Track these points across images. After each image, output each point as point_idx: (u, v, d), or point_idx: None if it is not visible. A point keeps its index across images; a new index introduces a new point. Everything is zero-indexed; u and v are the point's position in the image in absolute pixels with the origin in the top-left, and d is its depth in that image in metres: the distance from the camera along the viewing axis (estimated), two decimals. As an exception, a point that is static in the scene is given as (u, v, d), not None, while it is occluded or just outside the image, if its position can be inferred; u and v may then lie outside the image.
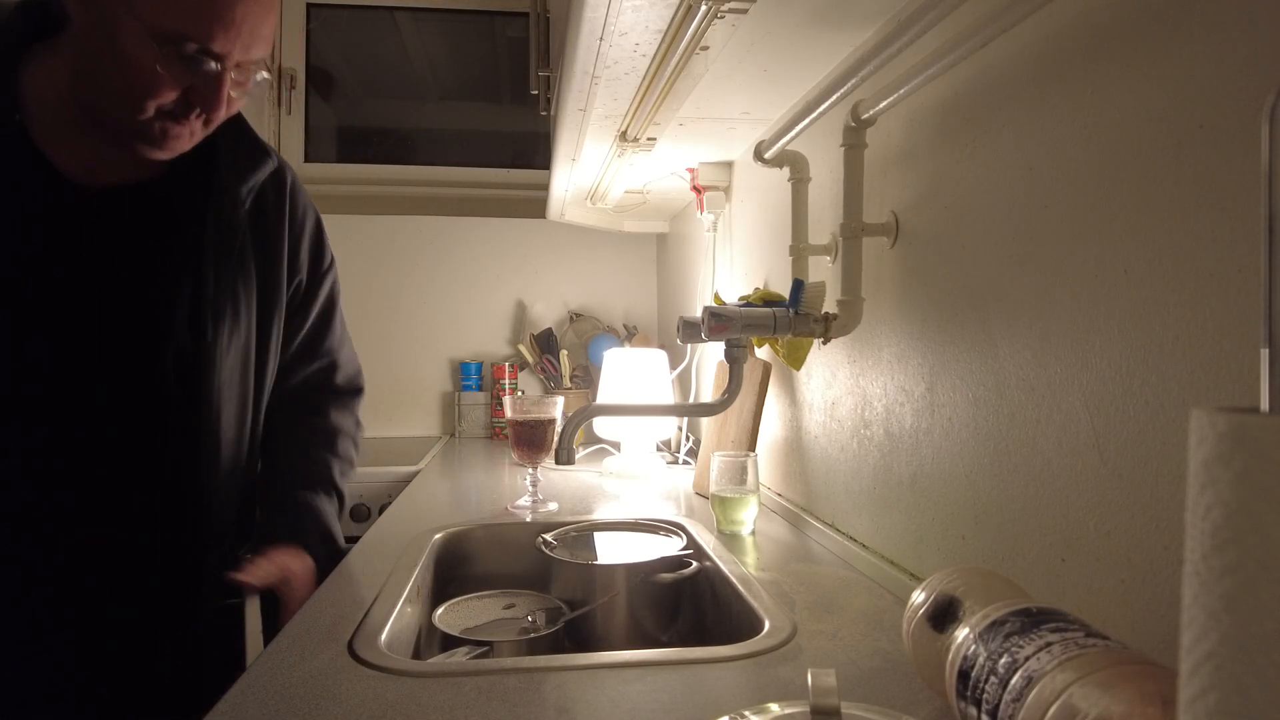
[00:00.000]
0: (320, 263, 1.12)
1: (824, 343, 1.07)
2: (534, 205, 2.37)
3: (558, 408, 1.46)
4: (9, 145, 0.85)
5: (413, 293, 2.45)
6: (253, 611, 0.96)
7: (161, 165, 0.92)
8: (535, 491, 1.40)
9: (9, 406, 0.87)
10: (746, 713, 0.54)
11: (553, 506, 1.39)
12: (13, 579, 0.88)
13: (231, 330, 0.97)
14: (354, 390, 1.23)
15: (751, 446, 1.32)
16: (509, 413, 1.45)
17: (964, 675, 0.53)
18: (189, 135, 0.87)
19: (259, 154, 1.00)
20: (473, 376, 2.42)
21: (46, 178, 0.87)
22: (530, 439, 1.42)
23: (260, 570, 0.97)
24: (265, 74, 0.88)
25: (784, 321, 1.04)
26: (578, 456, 1.92)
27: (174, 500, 0.96)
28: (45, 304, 0.88)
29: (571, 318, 2.51)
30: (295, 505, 1.08)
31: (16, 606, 0.88)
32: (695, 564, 1.04)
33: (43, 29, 0.86)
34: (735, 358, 1.14)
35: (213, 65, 0.82)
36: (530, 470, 1.43)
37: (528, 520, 1.30)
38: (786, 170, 1.14)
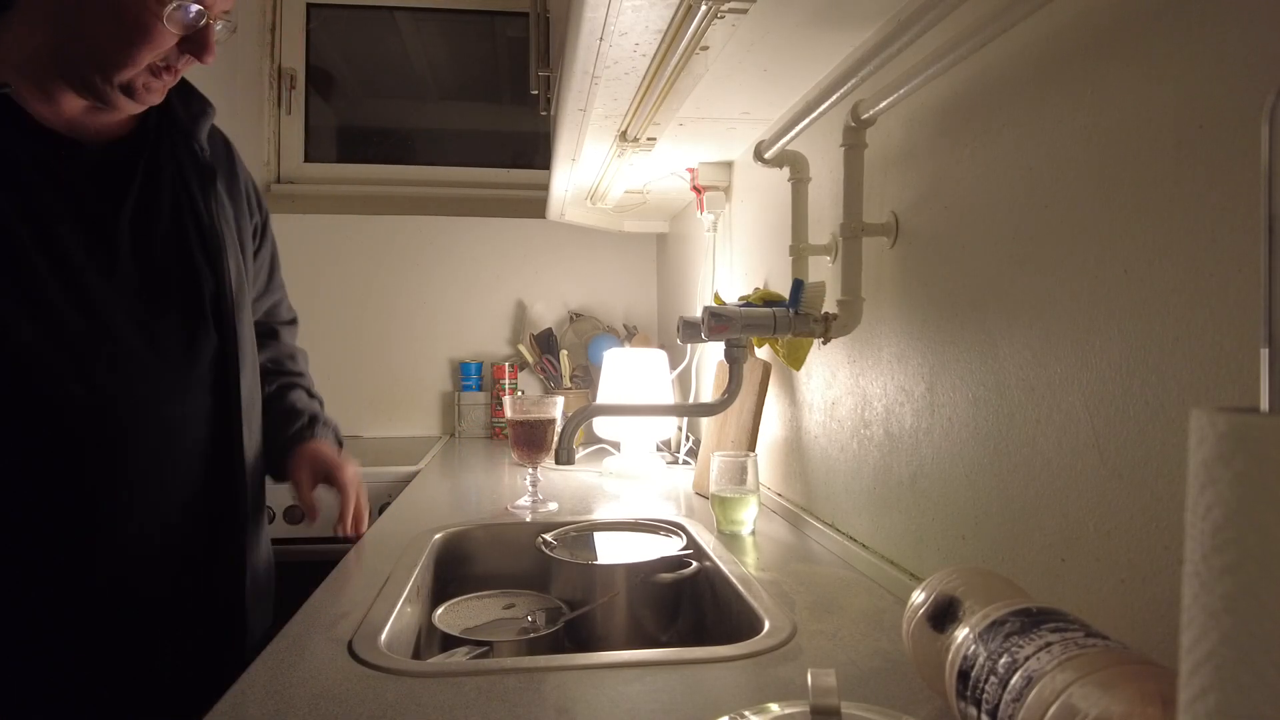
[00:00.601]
0: (263, 203, 1.20)
1: (824, 343, 1.07)
2: (534, 205, 2.37)
3: (558, 408, 1.46)
4: (11, 111, 0.89)
5: (413, 293, 2.45)
6: None
7: (128, 123, 0.98)
8: (535, 491, 1.41)
9: (33, 366, 0.88)
10: (746, 713, 0.53)
11: (552, 506, 1.39)
12: (13, 579, 0.88)
13: (233, 266, 1.03)
14: (294, 320, 1.34)
15: (751, 446, 1.32)
16: (509, 413, 1.45)
17: (964, 675, 0.53)
18: (162, 89, 0.94)
19: (204, 102, 1.06)
20: (473, 376, 2.42)
21: (47, 138, 0.92)
22: (530, 439, 1.42)
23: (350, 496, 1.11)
24: (229, 24, 0.95)
25: (784, 321, 1.04)
26: (578, 456, 1.92)
27: (213, 462, 1.00)
28: (72, 255, 0.91)
29: (571, 318, 2.51)
30: (301, 412, 1.19)
31: (16, 606, 0.88)
32: (695, 564, 1.04)
33: None
34: (735, 358, 1.14)
35: (202, 15, 0.89)
36: (530, 470, 1.43)
37: (527, 520, 1.30)
38: (786, 170, 1.14)
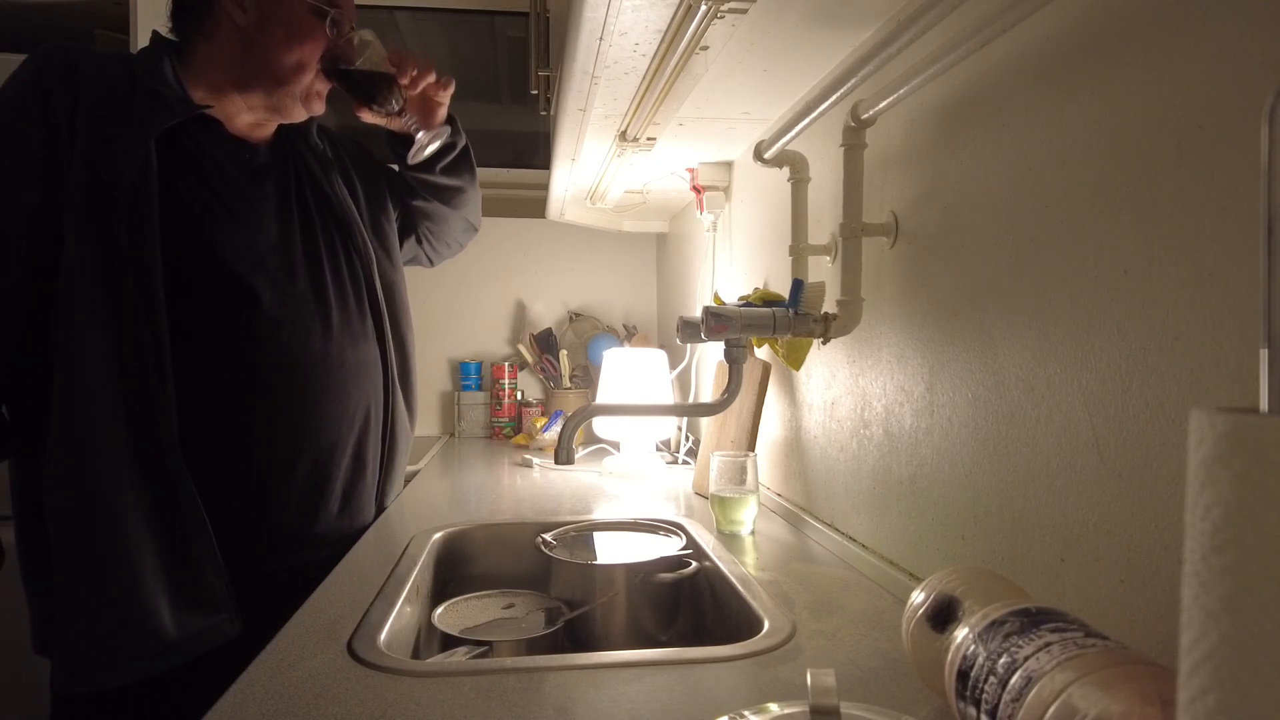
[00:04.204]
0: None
1: (824, 343, 1.07)
2: (534, 205, 2.37)
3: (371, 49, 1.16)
4: (214, 124, 1.10)
5: (412, 293, 2.41)
6: None
7: (269, 134, 1.19)
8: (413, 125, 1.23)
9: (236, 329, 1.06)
10: (746, 713, 0.53)
11: (430, 145, 1.27)
12: (248, 475, 1.07)
13: (363, 238, 1.25)
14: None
15: (751, 446, 1.32)
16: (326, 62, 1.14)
17: (963, 675, 0.53)
18: (322, 98, 1.16)
19: None
20: (472, 376, 2.42)
21: (236, 143, 1.13)
22: (367, 89, 1.16)
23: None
24: (364, 40, 1.15)
25: (784, 321, 1.04)
26: (578, 456, 1.92)
27: (386, 402, 1.25)
28: (274, 234, 1.11)
29: (571, 318, 2.51)
30: None
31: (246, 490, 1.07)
32: (695, 564, 1.04)
33: (177, 49, 1.11)
34: (735, 358, 1.14)
35: (347, 27, 1.11)
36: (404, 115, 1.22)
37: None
38: (786, 170, 1.14)
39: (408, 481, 1.69)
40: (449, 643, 0.89)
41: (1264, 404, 0.27)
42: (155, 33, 1.12)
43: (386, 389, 1.25)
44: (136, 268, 0.96)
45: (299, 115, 1.15)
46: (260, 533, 1.08)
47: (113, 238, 0.95)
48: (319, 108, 1.16)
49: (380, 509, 1.26)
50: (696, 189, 1.68)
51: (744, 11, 0.88)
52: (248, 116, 1.13)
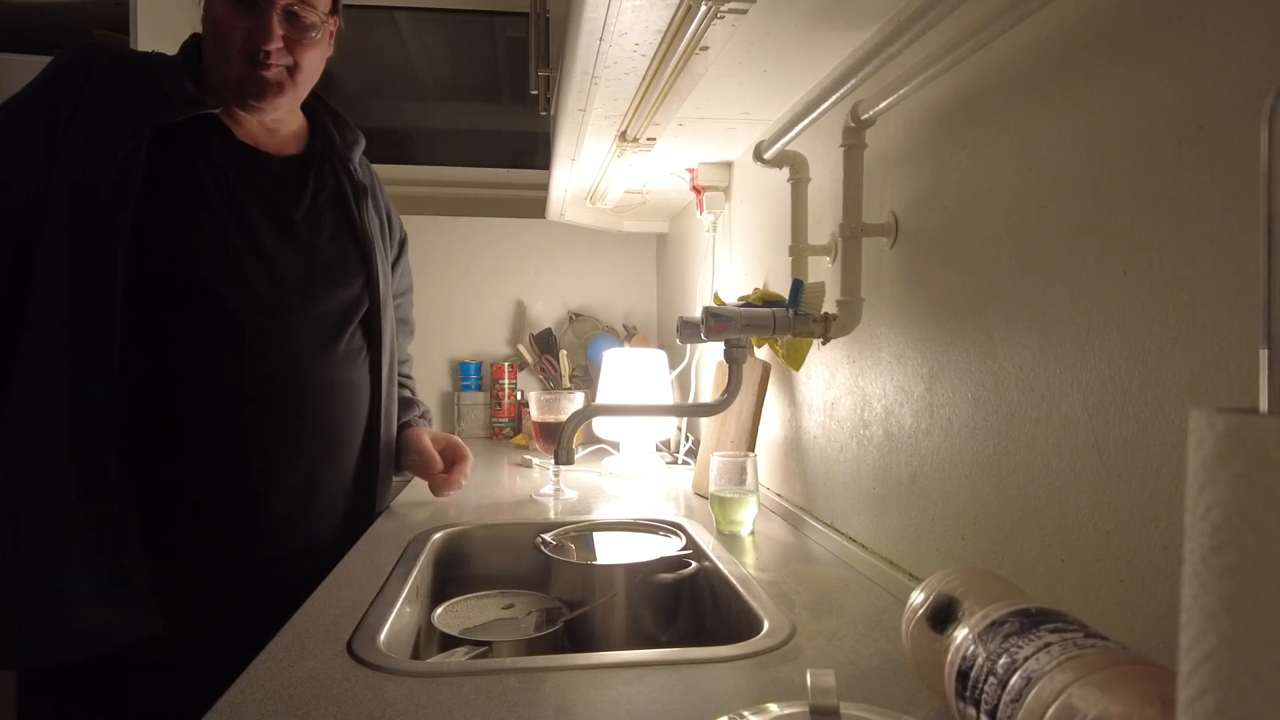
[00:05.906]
0: (401, 227, 1.42)
1: (823, 343, 1.07)
2: (534, 205, 2.37)
3: (576, 404, 1.51)
4: (219, 128, 1.10)
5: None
6: None
7: (298, 143, 1.20)
8: (558, 481, 1.49)
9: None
10: (745, 713, 0.53)
11: (572, 494, 1.47)
12: (212, 491, 1.05)
13: (379, 268, 1.24)
14: (413, 329, 1.59)
15: (751, 447, 1.32)
16: (535, 413, 1.54)
17: (963, 675, 0.53)
18: (278, 86, 1.10)
19: (357, 133, 1.29)
20: (472, 376, 2.42)
21: (243, 149, 1.13)
22: (552, 434, 1.49)
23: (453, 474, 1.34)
24: (330, 16, 1.15)
25: (783, 321, 1.04)
26: (577, 456, 1.92)
27: (369, 425, 1.22)
28: (264, 241, 1.10)
29: (571, 318, 2.51)
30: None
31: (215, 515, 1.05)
32: (694, 564, 1.04)
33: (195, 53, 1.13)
34: (735, 358, 1.14)
35: (261, 5, 1.05)
36: (552, 461, 1.47)
37: (549, 505, 1.40)
38: (786, 170, 1.14)
39: (408, 482, 1.69)
40: (449, 643, 0.89)
41: (1264, 404, 0.27)
42: (194, 35, 1.14)
43: (373, 413, 1.23)
44: (101, 260, 0.98)
45: (266, 112, 1.12)
46: (260, 533, 1.08)
47: (85, 230, 0.97)
48: (268, 92, 1.10)
49: (368, 522, 1.26)
50: (696, 189, 1.68)
51: (744, 12, 0.88)
52: (249, 124, 1.14)
